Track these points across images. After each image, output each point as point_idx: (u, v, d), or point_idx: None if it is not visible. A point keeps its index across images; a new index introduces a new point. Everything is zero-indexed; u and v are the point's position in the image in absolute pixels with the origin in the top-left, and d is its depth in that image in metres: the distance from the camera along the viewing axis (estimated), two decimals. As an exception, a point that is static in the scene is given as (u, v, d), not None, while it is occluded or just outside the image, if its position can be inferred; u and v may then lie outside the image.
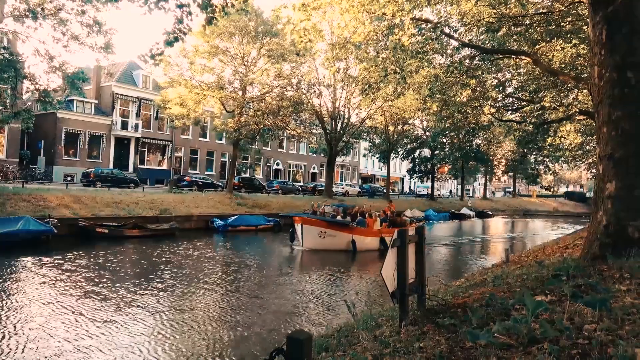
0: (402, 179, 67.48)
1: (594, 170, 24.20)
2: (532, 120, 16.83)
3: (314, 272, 13.59)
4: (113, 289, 9.95)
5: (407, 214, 36.20)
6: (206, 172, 40.60)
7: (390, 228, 17.96)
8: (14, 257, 12.57)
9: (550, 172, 55.93)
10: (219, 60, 26.42)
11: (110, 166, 33.32)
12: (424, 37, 10.44)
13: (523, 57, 12.14)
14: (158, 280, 11.19)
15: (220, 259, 15.04)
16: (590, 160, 27.88)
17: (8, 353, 6.15)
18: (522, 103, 17.13)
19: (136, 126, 36.18)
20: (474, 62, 12.51)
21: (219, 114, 27.69)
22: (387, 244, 16.17)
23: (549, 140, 20.89)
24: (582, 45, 11.53)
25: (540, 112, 15.35)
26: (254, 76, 26.73)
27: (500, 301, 3.96)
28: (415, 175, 50.09)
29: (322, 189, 39.28)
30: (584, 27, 10.70)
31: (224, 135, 33.90)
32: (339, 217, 18.47)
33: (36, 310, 8.12)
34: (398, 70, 11.42)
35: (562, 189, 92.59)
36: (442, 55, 12.40)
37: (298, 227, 16.69)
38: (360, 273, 13.98)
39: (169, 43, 7.16)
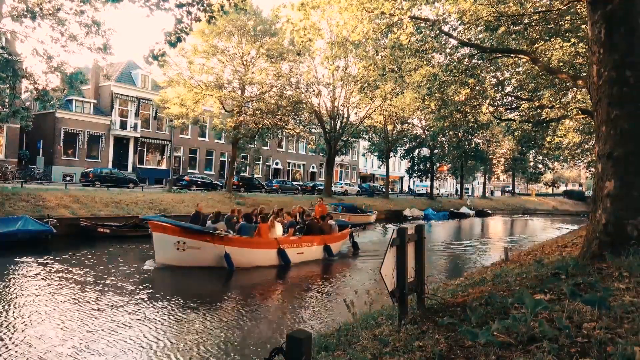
0: (402, 178, 67.54)
1: (592, 169, 24.26)
2: (531, 119, 16.86)
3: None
4: (114, 288, 9.94)
5: (406, 213, 36.45)
6: (205, 172, 40.58)
7: (304, 236, 14.26)
8: (13, 257, 12.55)
9: (550, 170, 56.15)
10: (217, 60, 26.41)
11: (109, 166, 33.31)
12: (422, 35, 10.45)
13: (522, 56, 12.15)
14: (160, 279, 11.18)
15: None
16: (589, 158, 27.95)
17: (7, 354, 6.14)
18: (521, 102, 17.15)
19: (135, 126, 36.15)
20: (473, 60, 12.51)
21: (218, 114, 27.69)
22: (289, 258, 13.13)
23: (548, 138, 20.95)
24: (581, 44, 11.56)
25: (539, 110, 15.38)
26: (253, 75, 26.73)
27: (499, 300, 3.97)
28: (415, 174, 50.15)
29: (322, 188, 39.29)
30: (583, 26, 10.72)
31: (223, 134, 33.92)
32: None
33: (36, 309, 8.11)
34: (396, 69, 11.44)
35: (562, 188, 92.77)
36: (440, 54, 12.41)
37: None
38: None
39: (172, 44, 7.16)
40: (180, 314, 8.40)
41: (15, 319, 7.59)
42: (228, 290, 11.20)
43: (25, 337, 6.74)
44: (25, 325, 7.30)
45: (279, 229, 13.68)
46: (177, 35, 7.11)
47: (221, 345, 6.84)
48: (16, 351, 6.25)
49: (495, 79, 16.20)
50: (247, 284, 11.63)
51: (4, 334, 6.86)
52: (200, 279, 11.57)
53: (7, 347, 6.33)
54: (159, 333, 7.24)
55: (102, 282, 10.48)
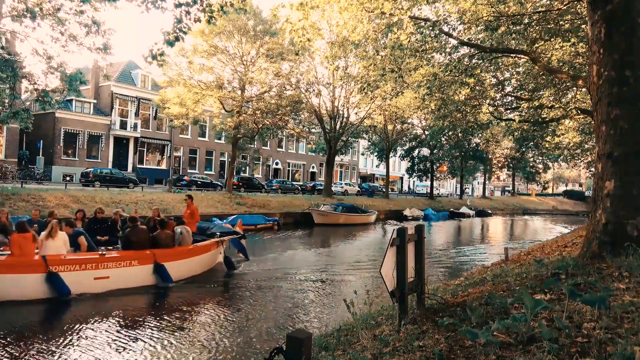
0: (402, 178, 67.55)
1: (592, 169, 24.23)
2: (531, 119, 16.86)
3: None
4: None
5: (406, 213, 36.44)
6: (205, 172, 40.60)
7: (122, 252, 9.91)
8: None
9: (549, 169, 56.21)
10: (217, 60, 26.44)
11: (109, 166, 33.32)
12: (422, 35, 10.45)
13: (522, 56, 12.16)
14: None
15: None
16: (589, 158, 27.93)
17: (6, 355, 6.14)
18: (521, 102, 17.15)
19: (135, 126, 36.16)
20: (473, 60, 12.51)
21: (217, 114, 27.71)
22: (67, 287, 8.39)
23: (548, 138, 20.95)
24: (581, 44, 11.55)
25: (539, 110, 15.39)
26: (253, 75, 26.74)
27: (499, 300, 3.96)
28: (415, 174, 50.19)
29: (322, 188, 39.30)
30: (583, 26, 10.71)
31: (223, 134, 33.95)
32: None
33: (35, 310, 8.11)
34: (396, 69, 11.44)
35: (562, 188, 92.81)
36: (440, 54, 12.41)
37: None
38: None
39: (170, 43, 7.16)
40: None
41: None
42: None
43: None
44: None
45: (61, 241, 8.94)
46: (176, 34, 7.12)
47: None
48: None
49: (495, 79, 16.19)
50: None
51: None
52: None
53: None
54: None
55: None
